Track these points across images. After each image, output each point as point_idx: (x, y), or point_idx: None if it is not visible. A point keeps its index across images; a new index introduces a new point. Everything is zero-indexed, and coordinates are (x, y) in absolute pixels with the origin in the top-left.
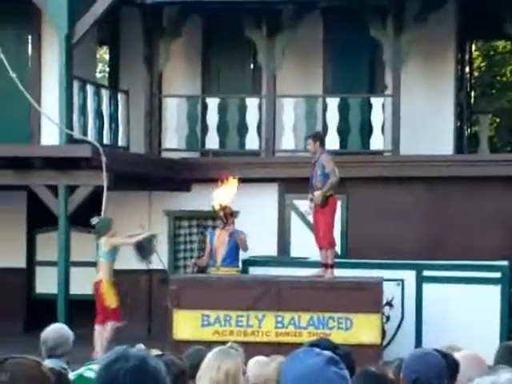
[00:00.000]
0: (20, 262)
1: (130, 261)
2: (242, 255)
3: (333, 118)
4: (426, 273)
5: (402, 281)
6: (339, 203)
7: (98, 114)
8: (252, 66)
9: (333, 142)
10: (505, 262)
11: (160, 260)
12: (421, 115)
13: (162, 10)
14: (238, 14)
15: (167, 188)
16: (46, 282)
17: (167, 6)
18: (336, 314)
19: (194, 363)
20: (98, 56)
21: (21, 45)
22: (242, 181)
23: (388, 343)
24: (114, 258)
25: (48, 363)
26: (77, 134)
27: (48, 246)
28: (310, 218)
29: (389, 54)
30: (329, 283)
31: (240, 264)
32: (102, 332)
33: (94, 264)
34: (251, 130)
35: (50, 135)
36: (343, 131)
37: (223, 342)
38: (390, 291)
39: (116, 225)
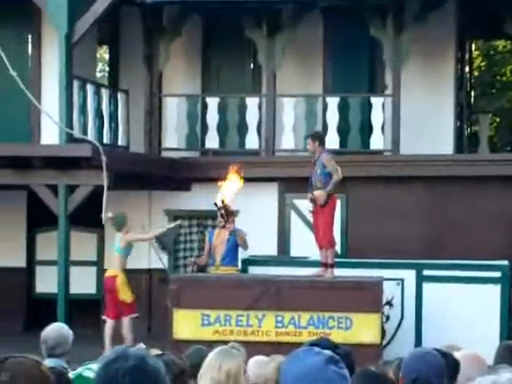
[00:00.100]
0: (20, 262)
1: (130, 260)
2: (242, 254)
3: (333, 117)
4: (425, 272)
5: (402, 280)
6: (339, 203)
7: (98, 114)
8: (252, 65)
9: (333, 141)
10: (505, 262)
11: (160, 259)
12: (421, 115)
13: (161, 10)
14: (238, 13)
15: (167, 187)
16: (45, 282)
17: (167, 6)
18: (336, 314)
19: (194, 363)
20: (97, 55)
21: (21, 44)
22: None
23: (388, 343)
24: (129, 253)
25: (48, 362)
26: (77, 133)
27: (48, 245)
28: (311, 218)
29: (389, 54)
30: (329, 283)
31: (239, 263)
32: (113, 327)
33: (94, 263)
34: (251, 130)
35: (50, 135)
36: (343, 131)
37: (223, 342)
38: (389, 291)
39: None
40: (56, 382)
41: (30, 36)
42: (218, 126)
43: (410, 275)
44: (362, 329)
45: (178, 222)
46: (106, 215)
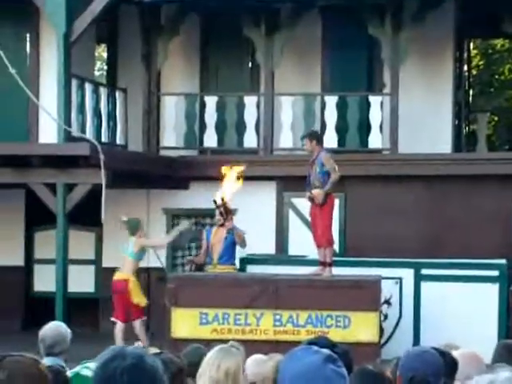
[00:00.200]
0: (18, 260)
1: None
2: (240, 253)
3: (331, 116)
4: (424, 271)
5: (401, 279)
6: (338, 201)
7: (96, 112)
8: (250, 64)
9: (331, 140)
10: (503, 261)
11: (158, 258)
12: (419, 114)
13: (160, 8)
14: (237, 12)
15: (165, 186)
16: (44, 280)
17: (165, 4)
18: (334, 312)
19: (192, 361)
20: (96, 54)
21: (19, 43)
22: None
23: (386, 341)
24: (142, 258)
25: (46, 361)
26: (75, 131)
27: (46, 244)
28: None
29: (387, 53)
30: (327, 281)
31: (237, 262)
32: (123, 330)
33: (92, 262)
34: (249, 128)
35: (48, 133)
36: (341, 129)
37: (221, 341)
38: (388, 289)
39: (115, 223)
40: (54, 380)
41: (28, 35)
42: (217, 124)
43: (408, 274)
44: (360, 327)
45: (188, 222)
46: (120, 219)
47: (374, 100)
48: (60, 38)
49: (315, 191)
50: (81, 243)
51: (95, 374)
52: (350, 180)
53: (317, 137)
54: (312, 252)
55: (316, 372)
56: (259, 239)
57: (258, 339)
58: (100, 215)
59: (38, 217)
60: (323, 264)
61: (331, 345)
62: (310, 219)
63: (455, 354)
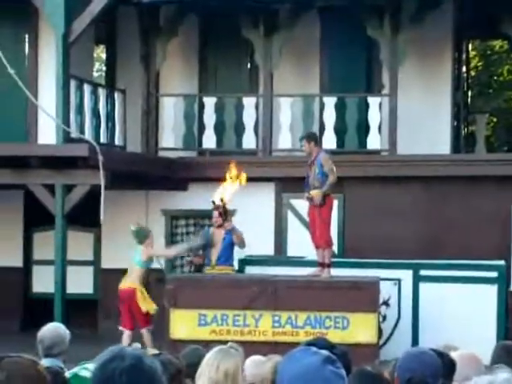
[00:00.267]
0: (17, 261)
1: (126, 260)
2: (239, 254)
3: (330, 117)
4: (422, 272)
5: (399, 280)
6: (336, 203)
7: (95, 113)
8: (249, 65)
9: (330, 141)
10: (501, 262)
11: (157, 259)
12: (418, 115)
13: (158, 9)
14: (235, 13)
15: (164, 187)
16: (42, 281)
17: (164, 5)
18: (333, 314)
19: (190, 362)
20: (94, 55)
21: (18, 44)
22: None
23: (385, 342)
24: (149, 266)
25: (44, 362)
26: (74, 131)
27: (45, 244)
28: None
29: (386, 54)
30: (325, 282)
31: (235, 262)
32: (130, 338)
33: (91, 263)
34: (248, 130)
35: (47, 134)
36: (340, 130)
37: (220, 342)
38: (386, 290)
39: (113, 224)
40: (52, 381)
41: (27, 36)
42: (215, 125)
43: (406, 275)
44: (358, 329)
45: (199, 241)
46: (129, 227)
47: (373, 101)
48: (59, 39)
49: (313, 192)
50: (79, 244)
51: (94, 375)
52: (348, 181)
53: (315, 138)
54: (311, 253)
55: (315, 373)
56: (258, 240)
57: (257, 340)
58: (99, 216)
59: (36, 218)
60: (322, 265)
61: (330, 346)
62: (308, 220)
63: (454, 355)
